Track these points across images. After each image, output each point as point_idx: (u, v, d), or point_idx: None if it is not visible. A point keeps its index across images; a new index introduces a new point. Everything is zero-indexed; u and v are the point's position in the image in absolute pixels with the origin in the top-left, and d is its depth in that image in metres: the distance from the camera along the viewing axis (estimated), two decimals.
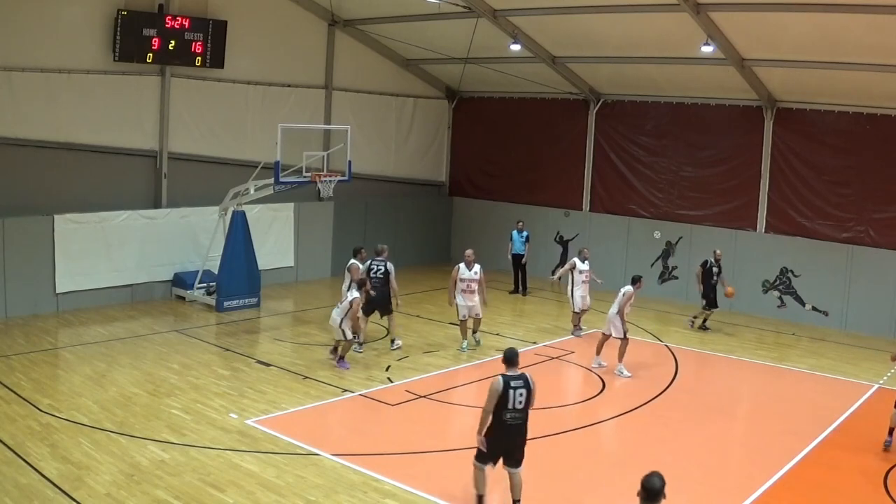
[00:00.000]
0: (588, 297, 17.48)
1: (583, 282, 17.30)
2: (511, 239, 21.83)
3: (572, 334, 17.55)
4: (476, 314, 16.04)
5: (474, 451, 9.06)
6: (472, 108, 26.15)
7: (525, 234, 22.07)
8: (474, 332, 16.27)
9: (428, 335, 17.09)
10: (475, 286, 15.92)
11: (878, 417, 13.23)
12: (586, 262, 17.43)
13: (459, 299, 15.86)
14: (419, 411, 12.68)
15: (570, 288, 17.50)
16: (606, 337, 15.16)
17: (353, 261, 15.87)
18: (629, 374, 14.68)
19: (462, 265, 16.04)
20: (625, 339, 14.81)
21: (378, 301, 15.77)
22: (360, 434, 11.74)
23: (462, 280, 15.87)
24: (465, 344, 16.06)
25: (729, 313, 19.93)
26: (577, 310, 17.49)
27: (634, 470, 10.85)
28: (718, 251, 18.82)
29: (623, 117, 23.06)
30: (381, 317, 16.24)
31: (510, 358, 9.09)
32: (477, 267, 16.00)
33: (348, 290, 14.80)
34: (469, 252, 16.16)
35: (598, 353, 15.28)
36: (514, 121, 24.99)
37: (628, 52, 20.06)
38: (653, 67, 20.58)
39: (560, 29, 19.87)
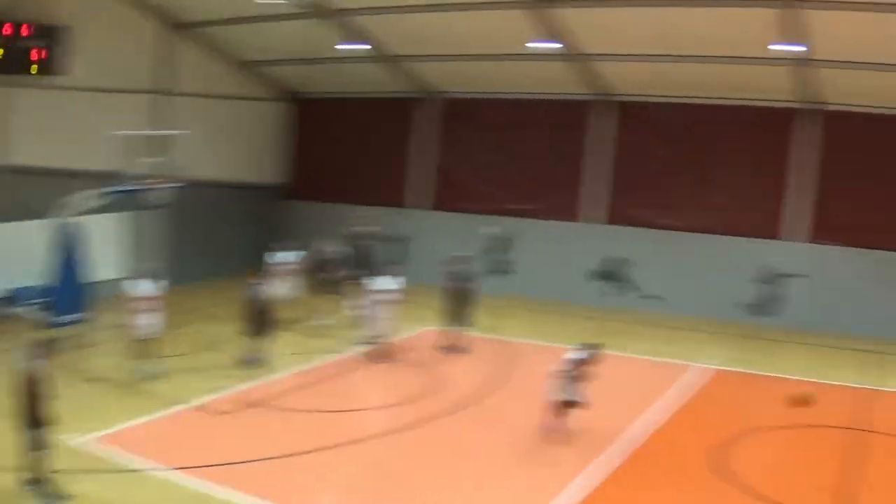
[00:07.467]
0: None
1: None
2: None
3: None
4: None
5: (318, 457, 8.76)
6: (312, 110, 25.84)
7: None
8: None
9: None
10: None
11: (717, 398, 13.93)
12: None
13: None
14: (252, 419, 12.40)
15: None
16: None
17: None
18: None
19: None
20: None
21: None
22: (193, 446, 11.30)
23: None
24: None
25: (560, 303, 20.44)
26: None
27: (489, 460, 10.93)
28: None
29: (461, 114, 23.45)
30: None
31: None
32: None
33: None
34: None
35: None
36: (353, 121, 24.92)
37: (462, 50, 20.33)
38: (489, 64, 20.95)
39: (399, 28, 19.93)
